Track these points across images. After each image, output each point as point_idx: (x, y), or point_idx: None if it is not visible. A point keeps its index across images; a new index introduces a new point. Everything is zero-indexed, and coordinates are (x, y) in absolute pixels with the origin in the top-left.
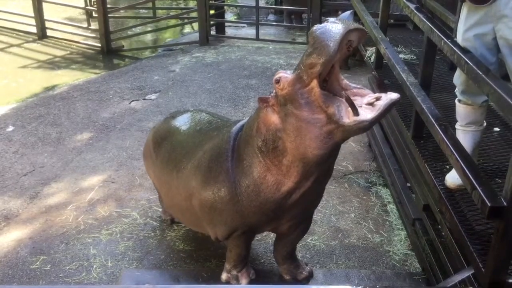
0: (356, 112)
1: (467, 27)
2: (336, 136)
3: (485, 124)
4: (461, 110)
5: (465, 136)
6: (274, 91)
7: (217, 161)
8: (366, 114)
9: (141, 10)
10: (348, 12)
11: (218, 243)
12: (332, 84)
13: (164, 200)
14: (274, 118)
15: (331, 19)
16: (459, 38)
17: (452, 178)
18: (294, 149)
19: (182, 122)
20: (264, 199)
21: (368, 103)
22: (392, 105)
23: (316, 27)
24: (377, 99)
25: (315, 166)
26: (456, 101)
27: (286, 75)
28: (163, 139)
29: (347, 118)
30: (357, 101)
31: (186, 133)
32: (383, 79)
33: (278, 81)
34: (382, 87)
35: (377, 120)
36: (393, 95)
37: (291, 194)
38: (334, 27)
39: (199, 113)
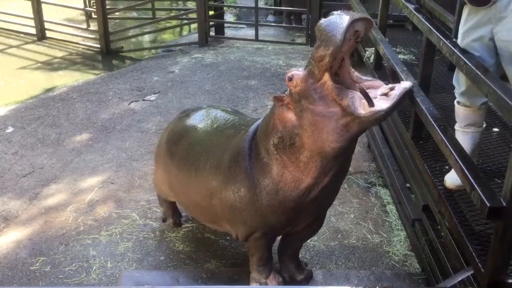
0: (371, 103)
1: (466, 29)
2: (352, 128)
3: (484, 125)
4: (460, 111)
5: (464, 137)
6: (288, 89)
7: (236, 160)
8: (382, 104)
9: (138, 12)
10: None
11: (238, 242)
12: (344, 78)
13: (181, 198)
14: (290, 115)
15: (336, 12)
16: (459, 40)
17: (451, 179)
18: (311, 144)
19: (198, 119)
20: (283, 198)
21: (383, 94)
22: (406, 93)
23: (322, 20)
24: (391, 89)
25: (333, 160)
26: (455, 102)
27: (298, 72)
28: (179, 138)
29: (363, 110)
30: (371, 93)
31: (203, 130)
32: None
33: (291, 79)
34: (396, 78)
35: (393, 109)
36: (406, 84)
37: (310, 191)
38: (339, 19)
39: (214, 109)
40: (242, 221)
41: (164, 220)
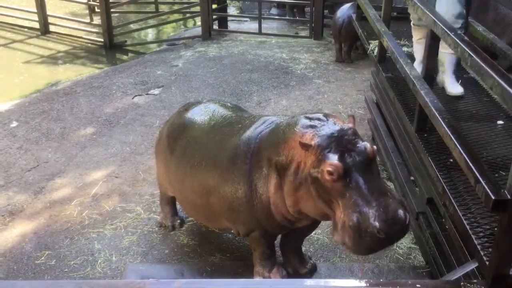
0: None
1: None
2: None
3: None
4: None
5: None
6: (315, 143)
7: (235, 162)
8: None
9: (141, 6)
10: (348, 5)
11: (239, 237)
12: None
13: (177, 195)
14: (299, 159)
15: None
16: None
17: None
18: (302, 208)
19: (197, 116)
20: (276, 213)
21: None
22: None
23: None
24: None
25: None
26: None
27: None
28: (179, 134)
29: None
30: None
31: (200, 128)
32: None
33: (331, 174)
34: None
35: None
36: None
37: (301, 219)
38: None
39: (213, 105)
40: (240, 221)
41: (160, 225)
